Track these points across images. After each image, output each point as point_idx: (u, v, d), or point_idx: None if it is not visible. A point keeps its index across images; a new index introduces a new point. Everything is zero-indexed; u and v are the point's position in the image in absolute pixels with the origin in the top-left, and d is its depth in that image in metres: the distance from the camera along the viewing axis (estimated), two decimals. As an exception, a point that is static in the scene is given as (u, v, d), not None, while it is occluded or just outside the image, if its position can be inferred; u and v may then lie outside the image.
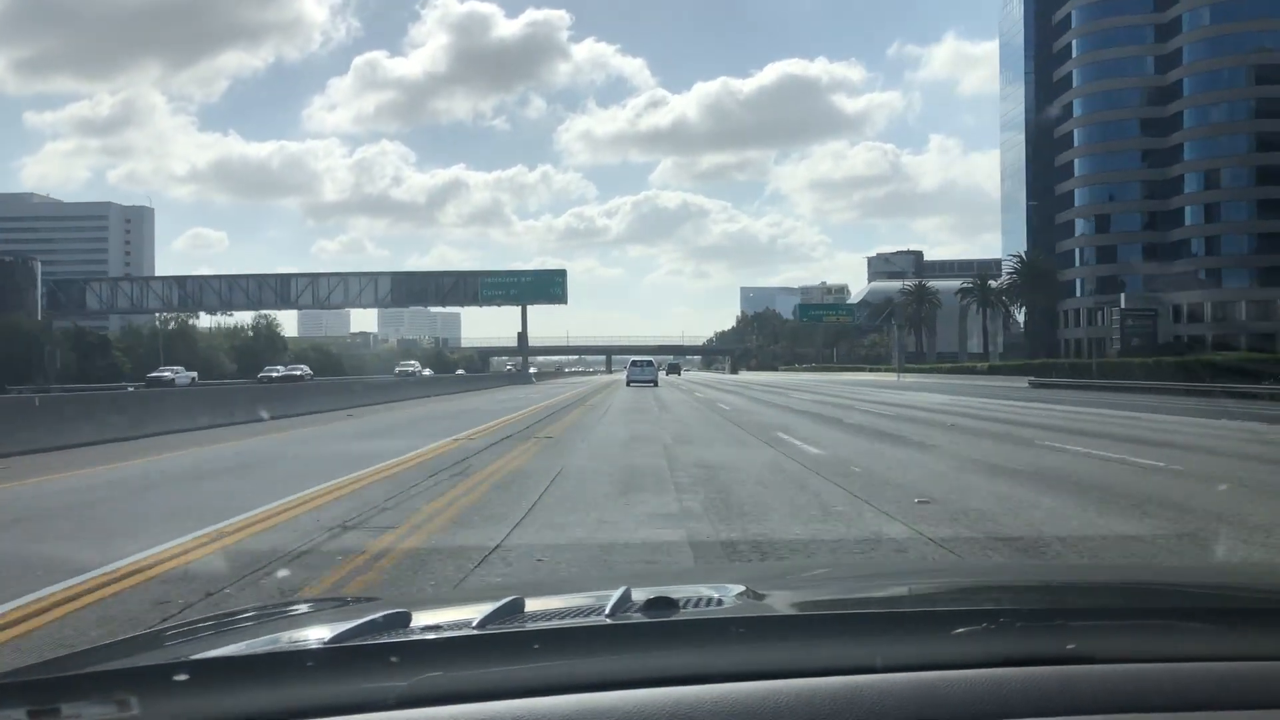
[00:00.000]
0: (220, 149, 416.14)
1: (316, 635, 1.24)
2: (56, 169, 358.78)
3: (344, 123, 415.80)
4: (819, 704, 1.00)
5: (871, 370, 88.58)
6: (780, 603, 1.57)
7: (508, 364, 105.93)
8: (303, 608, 1.78)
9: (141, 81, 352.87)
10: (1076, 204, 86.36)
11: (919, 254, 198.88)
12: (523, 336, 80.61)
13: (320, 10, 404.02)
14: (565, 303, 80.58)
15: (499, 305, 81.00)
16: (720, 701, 1.00)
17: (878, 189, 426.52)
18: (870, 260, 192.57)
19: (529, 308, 78.88)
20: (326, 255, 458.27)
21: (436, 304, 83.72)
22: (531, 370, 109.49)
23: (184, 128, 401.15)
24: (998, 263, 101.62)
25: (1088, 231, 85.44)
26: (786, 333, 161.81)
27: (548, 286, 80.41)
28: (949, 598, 1.70)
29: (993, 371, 64.55)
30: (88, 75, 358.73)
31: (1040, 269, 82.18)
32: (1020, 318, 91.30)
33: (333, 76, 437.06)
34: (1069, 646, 1.14)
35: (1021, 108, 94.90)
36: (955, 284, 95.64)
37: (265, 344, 79.86)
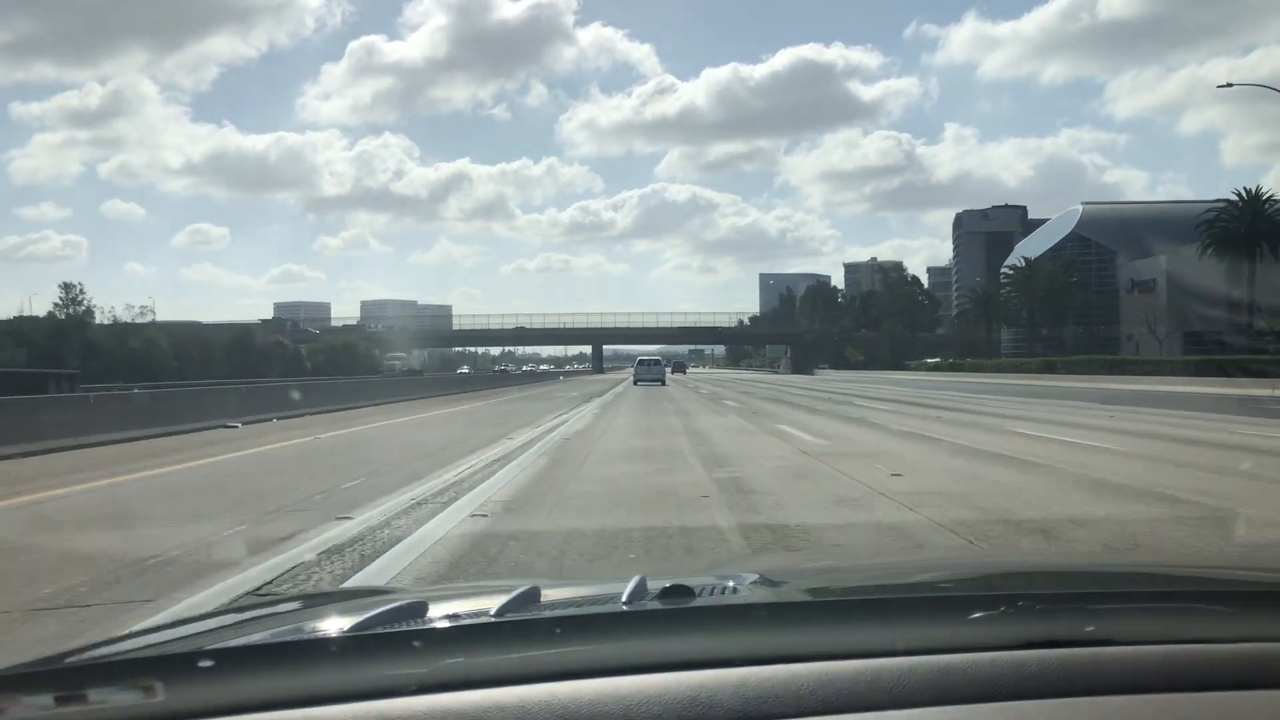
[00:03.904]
0: (215, 141, 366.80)
1: (336, 625, 1.25)
2: (47, 163, 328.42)
3: (341, 112, 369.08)
4: (841, 685, 1.00)
5: None
6: (796, 590, 1.57)
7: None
8: (319, 600, 1.94)
9: (129, 69, 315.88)
10: None
11: (1023, 209, 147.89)
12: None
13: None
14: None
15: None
16: (742, 684, 0.99)
17: (890, 180, 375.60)
18: (960, 217, 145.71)
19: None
20: (329, 251, 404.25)
21: None
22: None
23: (176, 118, 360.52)
24: None
25: None
26: (899, 304, 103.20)
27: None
28: (967, 584, 1.69)
29: None
30: (72, 61, 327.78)
31: None
32: None
33: (327, 62, 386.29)
34: (1088, 629, 1.14)
35: None
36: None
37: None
